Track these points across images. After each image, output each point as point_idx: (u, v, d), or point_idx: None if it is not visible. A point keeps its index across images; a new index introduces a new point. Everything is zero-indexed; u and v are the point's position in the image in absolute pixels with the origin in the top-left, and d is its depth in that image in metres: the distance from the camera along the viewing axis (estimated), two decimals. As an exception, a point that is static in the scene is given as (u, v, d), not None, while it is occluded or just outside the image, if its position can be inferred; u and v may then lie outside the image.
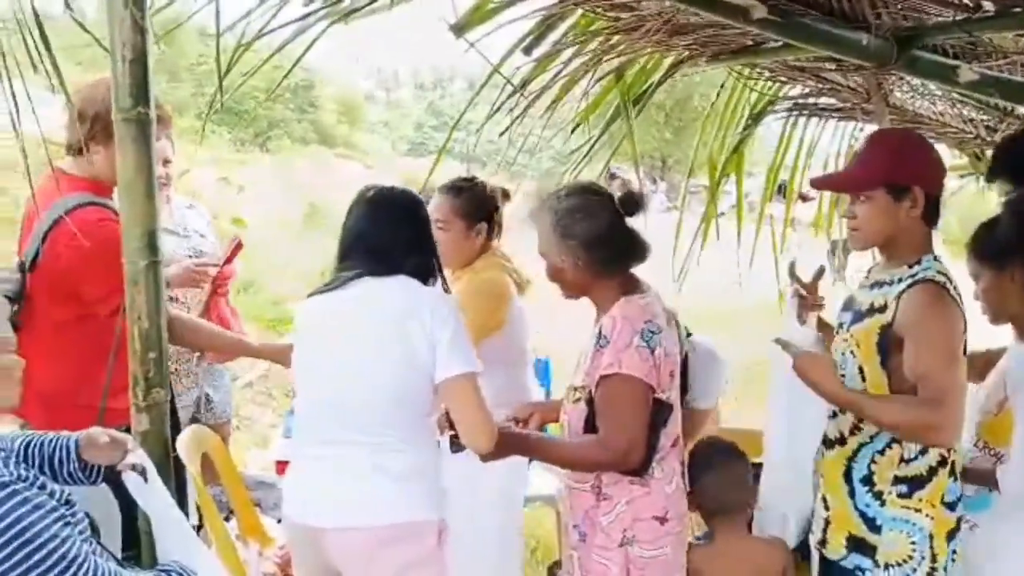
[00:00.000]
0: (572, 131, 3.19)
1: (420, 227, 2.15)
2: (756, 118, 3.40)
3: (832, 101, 3.24)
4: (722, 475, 2.33)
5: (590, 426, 2.07)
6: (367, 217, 2.13)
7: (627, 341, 1.99)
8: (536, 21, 2.68)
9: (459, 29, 2.53)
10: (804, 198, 4.75)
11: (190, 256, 3.16)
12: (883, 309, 1.96)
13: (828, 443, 2.09)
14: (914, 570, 1.95)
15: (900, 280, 1.97)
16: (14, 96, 2.05)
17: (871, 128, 3.34)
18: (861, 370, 2.00)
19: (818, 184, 2.45)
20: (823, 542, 2.09)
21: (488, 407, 2.03)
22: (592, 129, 3.36)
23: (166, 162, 3.08)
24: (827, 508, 2.08)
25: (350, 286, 2.07)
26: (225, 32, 2.41)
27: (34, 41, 2.01)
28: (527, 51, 2.77)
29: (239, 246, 3.27)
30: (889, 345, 1.94)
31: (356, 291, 2.06)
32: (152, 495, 1.96)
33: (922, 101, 3.15)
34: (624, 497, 2.06)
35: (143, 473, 1.98)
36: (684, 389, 2.27)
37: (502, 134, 2.91)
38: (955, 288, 1.96)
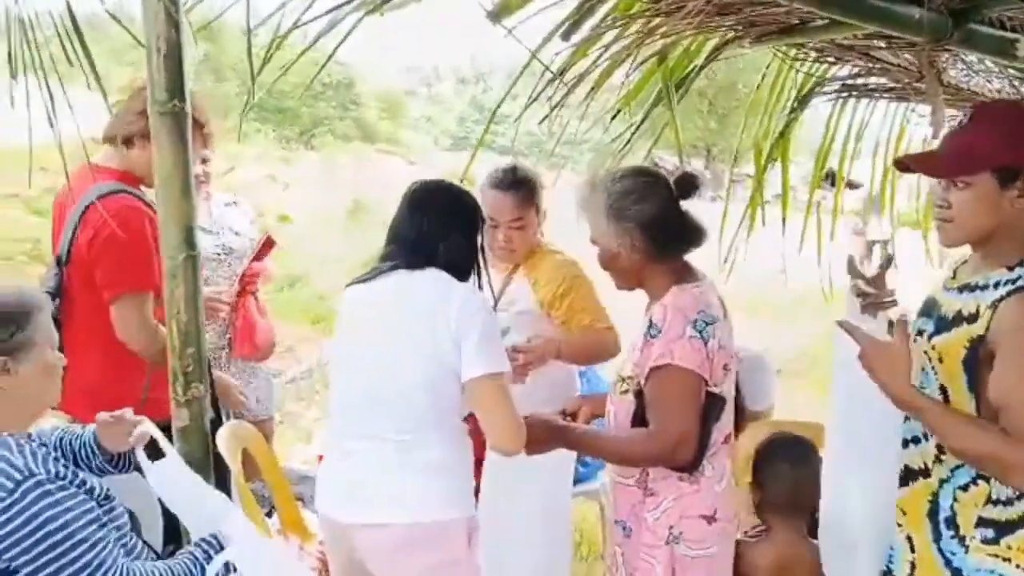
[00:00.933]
0: (612, 118, 3.11)
1: (456, 218, 2.11)
2: (802, 101, 3.29)
3: (882, 81, 3.12)
4: (794, 472, 2.23)
5: (638, 420, 2.01)
6: (406, 210, 2.12)
7: (679, 331, 1.92)
8: (575, 5, 2.62)
9: (496, 15, 2.48)
10: (852, 185, 4.62)
11: (218, 253, 3.17)
12: (974, 318, 1.66)
13: (911, 474, 1.80)
14: None
15: (998, 284, 1.65)
16: (51, 95, 2.07)
17: (924, 109, 3.22)
18: (944, 390, 1.72)
19: (907, 164, 1.96)
20: None
21: (515, 407, 1.99)
22: (633, 117, 3.28)
23: (204, 160, 3.09)
24: (912, 550, 1.79)
25: (383, 278, 2.07)
26: (259, 27, 2.40)
27: (71, 39, 2.02)
28: (565, 36, 2.70)
29: (269, 243, 3.29)
30: (979, 363, 1.64)
31: (389, 283, 2.05)
32: (163, 472, 1.96)
33: (978, 79, 3.01)
34: (672, 494, 2.00)
35: (152, 443, 1.98)
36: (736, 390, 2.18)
37: (541, 122, 2.85)
38: None
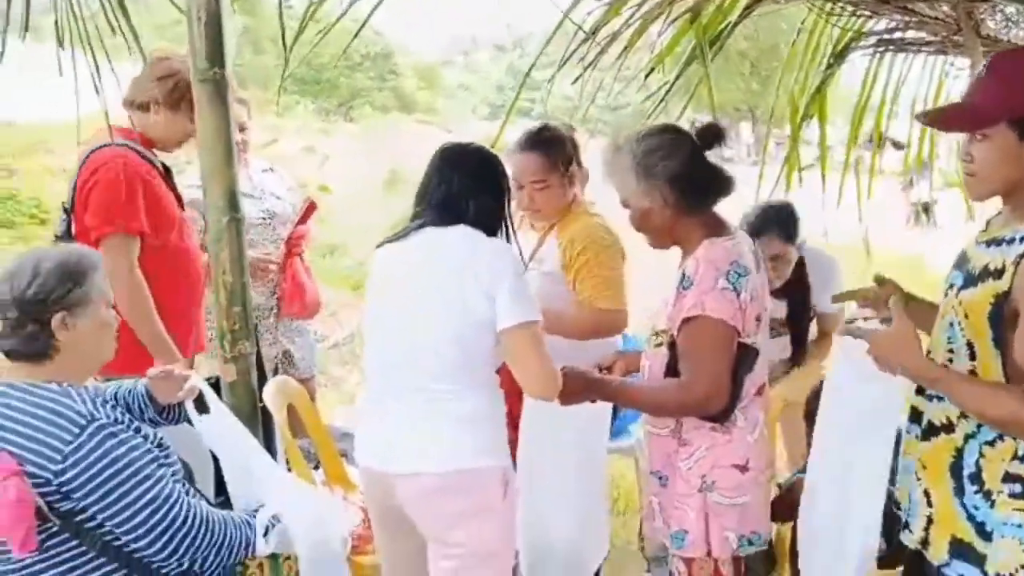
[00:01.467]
0: (646, 77, 3.12)
1: (485, 179, 2.15)
2: (839, 56, 3.26)
3: (920, 35, 3.08)
4: None
5: (671, 371, 2.05)
6: (434, 169, 2.16)
7: (712, 283, 1.95)
8: (606, -37, 2.63)
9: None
10: (898, 146, 4.56)
11: (263, 218, 3.25)
12: (999, 274, 1.62)
13: (933, 429, 1.76)
14: None
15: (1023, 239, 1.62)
16: (97, 66, 2.15)
17: (962, 62, 3.18)
18: (970, 345, 1.68)
19: (927, 120, 1.99)
20: (924, 542, 1.78)
21: (550, 355, 2.03)
22: (668, 77, 3.28)
23: (242, 128, 3.17)
24: (930, 504, 1.76)
25: (413, 236, 2.11)
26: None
27: (115, 13, 2.09)
28: (598, -6, 2.72)
29: (312, 207, 3.38)
30: (1004, 319, 1.60)
31: (418, 240, 2.10)
32: (212, 423, 2.07)
33: (1017, 30, 2.96)
34: (704, 443, 2.03)
35: (200, 397, 2.08)
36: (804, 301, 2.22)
37: (574, 82, 2.87)
38: None
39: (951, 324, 1.72)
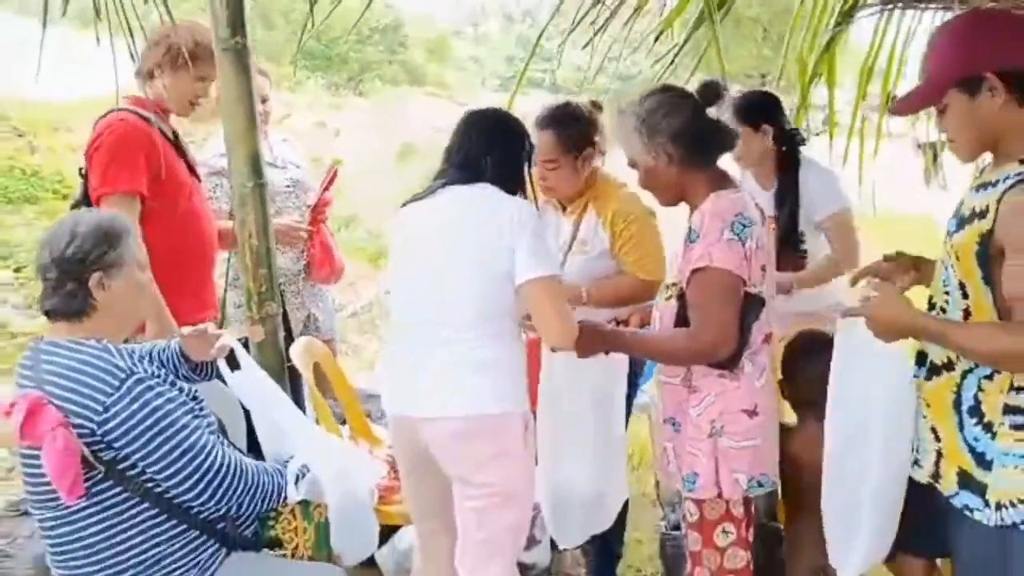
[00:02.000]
0: (655, 40, 3.15)
1: (499, 136, 2.23)
2: (847, 15, 3.28)
3: (928, -10, 3.10)
4: (821, 368, 2.32)
5: (681, 321, 2.12)
6: (457, 132, 2.25)
7: (717, 234, 2.02)
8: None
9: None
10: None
11: (288, 186, 3.33)
12: (984, 214, 1.69)
13: (935, 369, 1.86)
14: None
15: (1007, 179, 1.68)
16: (132, 37, 2.21)
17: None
18: (962, 286, 1.76)
19: (894, 110, 2.08)
20: (936, 476, 1.86)
21: (568, 307, 2.13)
22: (678, 41, 3.30)
23: (264, 99, 3.24)
24: (938, 439, 1.85)
25: (436, 195, 2.20)
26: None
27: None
28: (606, -41, 2.75)
29: (335, 175, 3.46)
30: (990, 257, 1.69)
31: (441, 199, 2.19)
32: (243, 379, 2.17)
33: (1025, -15, 2.98)
34: (714, 390, 2.11)
35: (232, 355, 2.18)
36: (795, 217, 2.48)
37: (584, 47, 2.91)
38: None
39: (945, 267, 1.81)
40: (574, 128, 2.71)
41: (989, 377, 1.74)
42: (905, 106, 1.93)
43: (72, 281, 1.91)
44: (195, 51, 2.64)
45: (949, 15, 3.25)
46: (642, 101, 2.15)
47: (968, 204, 1.78)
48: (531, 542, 2.76)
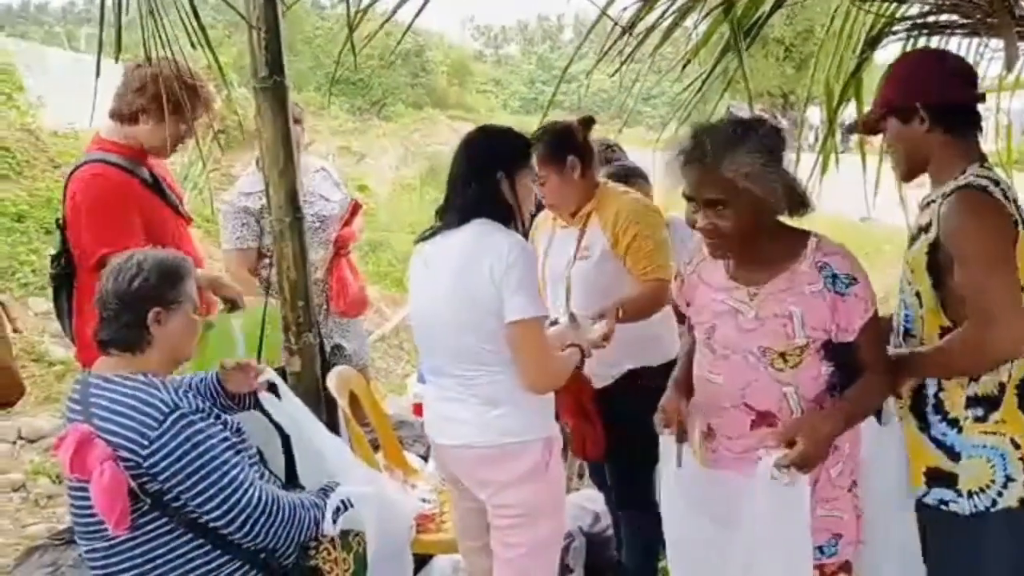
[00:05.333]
0: (682, 69, 3.19)
1: (492, 158, 2.23)
2: (873, 42, 3.29)
3: (953, 17, 3.10)
4: None
5: (844, 375, 1.94)
6: (453, 163, 2.28)
7: (865, 275, 1.92)
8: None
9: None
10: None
11: (314, 222, 3.28)
12: (928, 227, 1.90)
13: None
14: (1000, 494, 1.85)
15: (945, 195, 1.88)
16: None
17: (997, 43, 3.20)
18: (919, 295, 1.94)
19: (849, 131, 2.42)
20: None
21: (550, 350, 2.18)
22: (704, 67, 3.33)
23: (296, 121, 3.30)
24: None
25: (436, 235, 2.26)
26: (337, 3, 2.54)
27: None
28: (633, -10, 2.79)
29: (357, 208, 3.50)
30: (939, 265, 1.86)
31: (440, 240, 2.25)
32: (283, 407, 2.23)
33: (1052, 9, 2.98)
34: (849, 439, 1.97)
35: (273, 387, 2.24)
36: None
37: (612, 75, 2.95)
38: (1006, 190, 1.85)
39: (903, 280, 2.01)
40: (552, 140, 2.73)
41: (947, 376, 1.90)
42: (857, 126, 2.24)
43: (130, 314, 1.98)
44: (186, 95, 2.57)
45: (976, 40, 3.29)
46: (735, 143, 1.85)
47: (916, 223, 2.00)
48: (565, 571, 2.77)
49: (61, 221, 2.72)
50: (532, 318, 2.11)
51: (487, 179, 2.20)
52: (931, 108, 1.92)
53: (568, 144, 2.74)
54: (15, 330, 1.86)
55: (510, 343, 2.12)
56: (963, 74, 2.02)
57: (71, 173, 2.70)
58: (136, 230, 2.60)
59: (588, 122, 2.81)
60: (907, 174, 2.04)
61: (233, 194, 3.29)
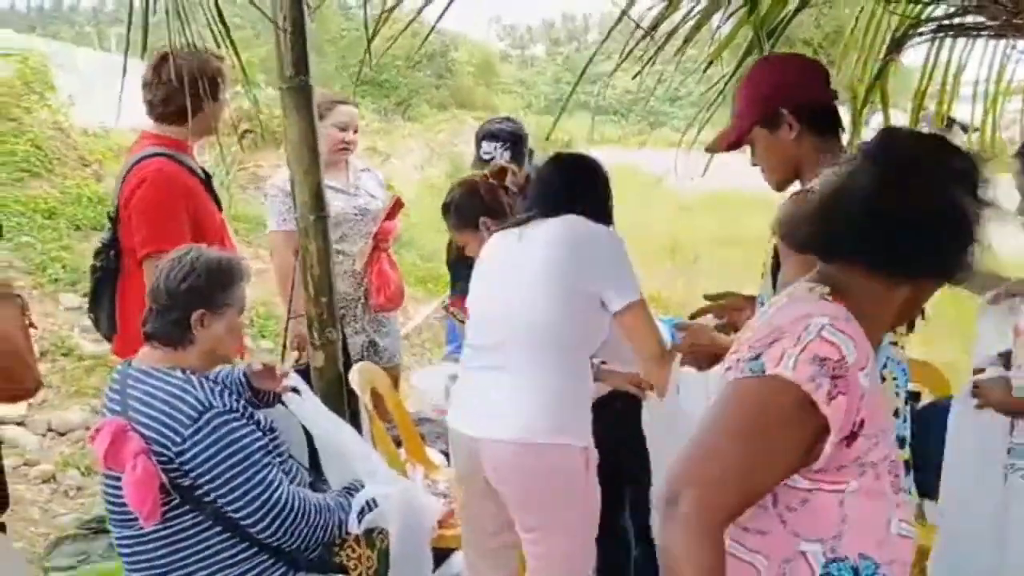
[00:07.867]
0: (705, 70, 3.19)
1: (591, 177, 2.34)
2: (898, 43, 3.27)
3: (979, 19, 3.08)
4: None
5: None
6: (544, 169, 2.38)
7: None
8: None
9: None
10: (967, 129, 4.50)
11: (356, 214, 3.44)
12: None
13: None
14: None
15: None
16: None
17: (1023, 46, 3.18)
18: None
19: (708, 149, 2.17)
20: None
21: (657, 326, 2.22)
22: (728, 68, 3.33)
23: (343, 129, 3.40)
24: None
25: (523, 225, 2.27)
26: (363, 2, 2.58)
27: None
28: (656, -10, 2.80)
29: (398, 204, 3.58)
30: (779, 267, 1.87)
31: (526, 228, 2.26)
32: (306, 406, 2.27)
33: (1080, 11, 2.95)
34: None
35: (296, 392, 2.28)
36: None
37: (634, 77, 2.96)
38: None
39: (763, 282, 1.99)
40: (459, 207, 2.75)
41: None
42: (718, 144, 2.06)
43: (177, 312, 2.02)
44: (221, 81, 2.63)
45: (1003, 42, 3.27)
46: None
47: None
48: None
49: (113, 213, 2.75)
50: (640, 299, 2.17)
51: (596, 193, 2.32)
52: (798, 111, 1.88)
53: (477, 207, 2.71)
54: (31, 325, 1.89)
55: (626, 326, 2.18)
56: (820, 73, 1.99)
57: (131, 167, 2.69)
58: (183, 231, 2.59)
59: (500, 174, 2.78)
60: (780, 184, 1.98)
61: (280, 179, 3.35)
